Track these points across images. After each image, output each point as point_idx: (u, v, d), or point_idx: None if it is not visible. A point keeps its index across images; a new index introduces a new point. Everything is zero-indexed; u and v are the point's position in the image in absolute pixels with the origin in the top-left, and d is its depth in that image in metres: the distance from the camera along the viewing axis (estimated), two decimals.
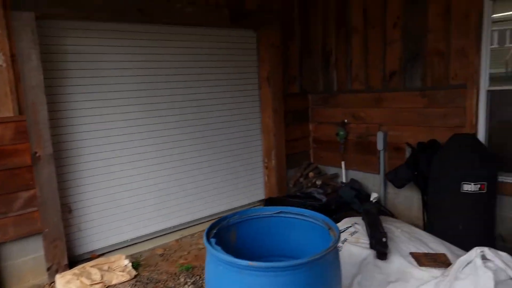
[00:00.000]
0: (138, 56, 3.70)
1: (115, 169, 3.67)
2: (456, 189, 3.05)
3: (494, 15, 3.26)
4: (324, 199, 4.18)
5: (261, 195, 4.98)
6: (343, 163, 4.71)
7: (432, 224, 3.32)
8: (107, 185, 3.63)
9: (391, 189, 4.16)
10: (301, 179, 4.87)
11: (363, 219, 2.59)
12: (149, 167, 3.90)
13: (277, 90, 4.64)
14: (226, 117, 4.47)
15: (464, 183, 3.01)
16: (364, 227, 2.50)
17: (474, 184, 2.97)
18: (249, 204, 4.84)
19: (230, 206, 4.60)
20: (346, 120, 4.60)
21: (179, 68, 4.02)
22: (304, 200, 4.24)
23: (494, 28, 3.32)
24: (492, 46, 3.33)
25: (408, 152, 3.85)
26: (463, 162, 3.01)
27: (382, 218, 2.65)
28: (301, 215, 2.09)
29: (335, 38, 4.56)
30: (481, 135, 3.42)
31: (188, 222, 4.24)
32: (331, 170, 4.99)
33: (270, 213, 2.13)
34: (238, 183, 4.68)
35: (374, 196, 4.18)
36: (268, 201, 4.29)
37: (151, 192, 3.94)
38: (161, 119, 3.92)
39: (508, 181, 3.29)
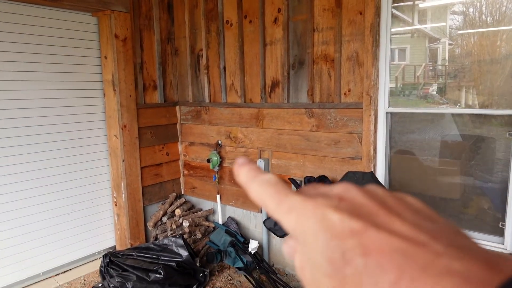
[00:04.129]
0: None
1: None
2: None
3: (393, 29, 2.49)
4: (185, 254, 3.01)
5: (111, 241, 3.67)
6: (218, 197, 3.61)
7: None
8: None
9: None
10: (164, 219, 3.64)
11: None
12: None
13: (127, 100, 3.36)
14: (62, 135, 3.20)
15: None
16: None
17: None
18: (92, 255, 3.50)
19: (66, 260, 3.33)
20: (220, 142, 3.52)
21: None
22: (158, 255, 3.02)
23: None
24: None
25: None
26: None
27: None
28: None
29: (205, 33, 3.45)
30: (380, 171, 2.62)
31: None
32: (206, 205, 3.87)
33: None
34: (78, 226, 3.40)
35: (253, 245, 3.15)
36: (106, 259, 2.96)
37: None
38: None
39: None
